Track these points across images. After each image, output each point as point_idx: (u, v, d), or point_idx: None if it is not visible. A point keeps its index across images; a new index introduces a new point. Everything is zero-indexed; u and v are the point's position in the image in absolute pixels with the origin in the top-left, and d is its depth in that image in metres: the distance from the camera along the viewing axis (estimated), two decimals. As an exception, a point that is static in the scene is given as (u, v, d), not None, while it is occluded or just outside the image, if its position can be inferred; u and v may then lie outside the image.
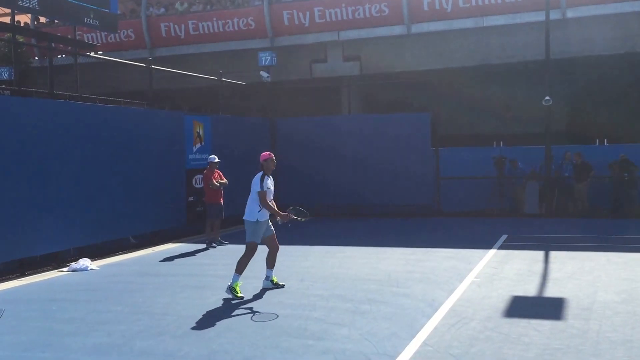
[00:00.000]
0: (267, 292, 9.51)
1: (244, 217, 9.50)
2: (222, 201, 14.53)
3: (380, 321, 7.82)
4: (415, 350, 6.68)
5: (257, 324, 7.78)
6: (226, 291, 9.23)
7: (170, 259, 13.06)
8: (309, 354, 6.64)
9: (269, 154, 9.59)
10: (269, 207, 9.33)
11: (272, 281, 9.75)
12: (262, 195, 9.27)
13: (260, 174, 9.42)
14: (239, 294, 9.13)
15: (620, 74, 22.46)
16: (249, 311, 8.48)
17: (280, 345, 6.90)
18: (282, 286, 9.74)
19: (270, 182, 9.45)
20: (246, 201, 9.50)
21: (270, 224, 9.63)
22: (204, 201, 14.96)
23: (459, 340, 6.98)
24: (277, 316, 8.13)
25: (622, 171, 18.42)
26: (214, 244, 14.37)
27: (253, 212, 9.37)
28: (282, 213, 9.37)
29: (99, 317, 8.32)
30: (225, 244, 14.52)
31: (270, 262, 9.75)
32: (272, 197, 9.50)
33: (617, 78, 22.62)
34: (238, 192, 14.89)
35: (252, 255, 9.40)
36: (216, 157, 14.63)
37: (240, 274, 9.26)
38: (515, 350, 6.63)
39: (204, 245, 14.43)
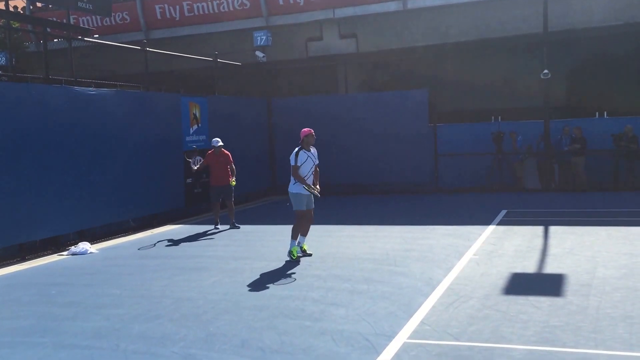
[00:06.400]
0: (264, 274, 9.50)
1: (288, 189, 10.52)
2: (223, 183, 14.08)
3: (378, 301, 7.80)
4: (413, 330, 6.67)
5: (254, 306, 7.75)
6: (287, 256, 10.43)
7: (169, 241, 13.06)
8: (306, 335, 6.62)
9: (309, 130, 10.46)
10: (298, 178, 10.23)
11: (301, 248, 10.58)
12: (293, 169, 10.23)
13: (296, 149, 10.32)
14: (295, 257, 10.33)
15: (620, 45, 22.27)
16: (246, 293, 8.47)
17: (277, 327, 6.89)
18: (310, 255, 10.51)
19: (307, 156, 10.29)
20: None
21: (313, 198, 10.50)
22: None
23: (457, 319, 6.96)
24: (274, 297, 8.12)
25: (630, 143, 18.20)
26: (217, 226, 14.24)
27: (291, 184, 10.40)
28: (308, 184, 10.22)
29: (98, 301, 8.33)
30: (237, 227, 14.14)
31: (304, 230, 10.58)
32: (312, 169, 10.36)
33: (616, 49, 22.44)
34: (237, 171, 14.82)
35: (303, 222, 10.42)
36: (220, 141, 14.20)
37: (295, 239, 10.45)
38: (514, 328, 6.60)
39: (202, 227, 14.38)
